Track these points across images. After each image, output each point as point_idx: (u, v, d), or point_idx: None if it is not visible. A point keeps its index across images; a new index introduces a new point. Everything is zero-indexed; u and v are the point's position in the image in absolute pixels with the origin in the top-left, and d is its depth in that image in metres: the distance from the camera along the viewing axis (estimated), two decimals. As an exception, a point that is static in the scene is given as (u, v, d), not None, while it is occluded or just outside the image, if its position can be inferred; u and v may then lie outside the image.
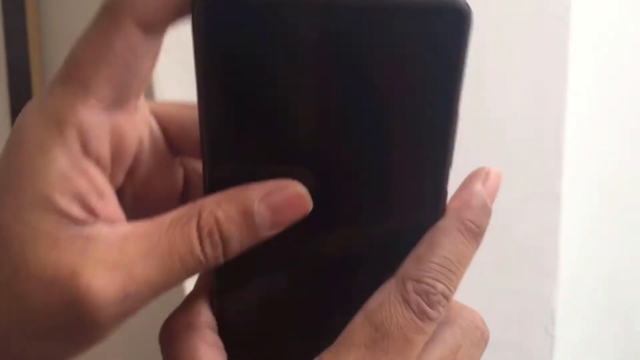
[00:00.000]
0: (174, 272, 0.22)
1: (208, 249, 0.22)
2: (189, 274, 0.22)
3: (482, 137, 0.58)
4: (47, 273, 0.20)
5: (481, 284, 0.62)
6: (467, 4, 0.21)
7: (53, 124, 0.21)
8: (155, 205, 0.25)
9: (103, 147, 0.22)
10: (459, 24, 0.21)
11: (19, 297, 0.20)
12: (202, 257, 0.22)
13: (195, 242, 0.22)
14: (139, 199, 0.25)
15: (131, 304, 0.21)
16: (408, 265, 0.24)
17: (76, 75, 0.21)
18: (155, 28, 0.22)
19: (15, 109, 0.91)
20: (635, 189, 0.69)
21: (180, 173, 0.27)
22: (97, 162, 0.22)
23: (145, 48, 0.22)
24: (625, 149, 0.67)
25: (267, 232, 0.23)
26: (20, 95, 0.90)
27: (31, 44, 0.89)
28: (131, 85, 0.22)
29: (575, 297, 0.64)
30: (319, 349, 0.23)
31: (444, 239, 0.24)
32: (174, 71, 0.61)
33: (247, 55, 0.21)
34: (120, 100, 0.22)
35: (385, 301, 0.23)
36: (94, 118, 0.21)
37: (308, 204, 0.23)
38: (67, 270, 0.20)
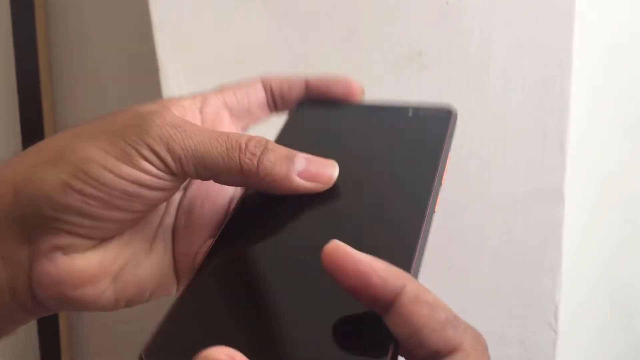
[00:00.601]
0: (220, 140, 0.28)
1: (252, 144, 0.28)
2: (228, 154, 0.27)
3: (486, 132, 0.58)
4: (144, 107, 0.29)
5: (485, 280, 0.62)
6: (454, 108, 0.33)
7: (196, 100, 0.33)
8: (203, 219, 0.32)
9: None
10: (448, 120, 0.32)
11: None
12: (243, 144, 0.28)
13: (245, 137, 0.28)
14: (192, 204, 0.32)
15: (178, 139, 0.27)
16: None
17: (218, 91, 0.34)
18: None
19: (24, 106, 0.91)
20: (638, 185, 0.69)
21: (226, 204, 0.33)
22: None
23: (260, 109, 0.34)
24: (628, 145, 0.67)
25: (297, 179, 0.28)
26: (28, 94, 0.91)
27: (40, 43, 0.90)
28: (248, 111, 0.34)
29: (578, 293, 0.64)
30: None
31: None
32: (182, 69, 0.61)
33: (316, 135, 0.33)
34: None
35: None
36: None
37: (333, 178, 0.29)
38: (159, 107, 0.30)
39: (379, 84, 0.59)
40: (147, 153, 0.27)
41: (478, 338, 0.24)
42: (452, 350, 0.23)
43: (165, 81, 0.61)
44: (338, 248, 0.23)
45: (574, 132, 0.57)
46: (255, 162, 0.28)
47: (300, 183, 0.28)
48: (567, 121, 0.56)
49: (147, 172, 0.27)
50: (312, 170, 0.29)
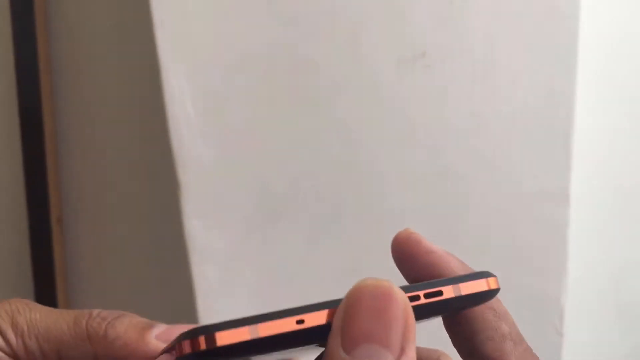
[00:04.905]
0: (69, 312, 0.25)
1: (104, 312, 0.26)
2: (74, 321, 0.25)
3: (490, 133, 0.58)
4: None
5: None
6: None
7: None
8: None
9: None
10: None
11: None
12: (94, 312, 0.25)
13: (97, 310, 0.26)
14: None
15: (25, 312, 0.25)
16: None
17: None
18: None
19: (24, 107, 0.91)
20: (644, 187, 0.68)
21: None
22: None
23: None
24: (634, 146, 0.67)
25: (153, 341, 0.25)
26: (28, 93, 0.91)
27: (39, 42, 0.89)
28: None
29: (584, 296, 0.64)
30: None
31: None
32: (184, 70, 0.61)
33: None
34: None
35: None
36: None
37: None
38: None
39: (383, 85, 0.59)
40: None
41: None
42: None
43: (167, 82, 0.61)
44: (411, 235, 0.21)
45: (579, 132, 0.57)
46: (104, 326, 0.25)
47: (157, 345, 0.24)
48: (573, 121, 0.56)
49: None
50: (175, 332, 0.24)
